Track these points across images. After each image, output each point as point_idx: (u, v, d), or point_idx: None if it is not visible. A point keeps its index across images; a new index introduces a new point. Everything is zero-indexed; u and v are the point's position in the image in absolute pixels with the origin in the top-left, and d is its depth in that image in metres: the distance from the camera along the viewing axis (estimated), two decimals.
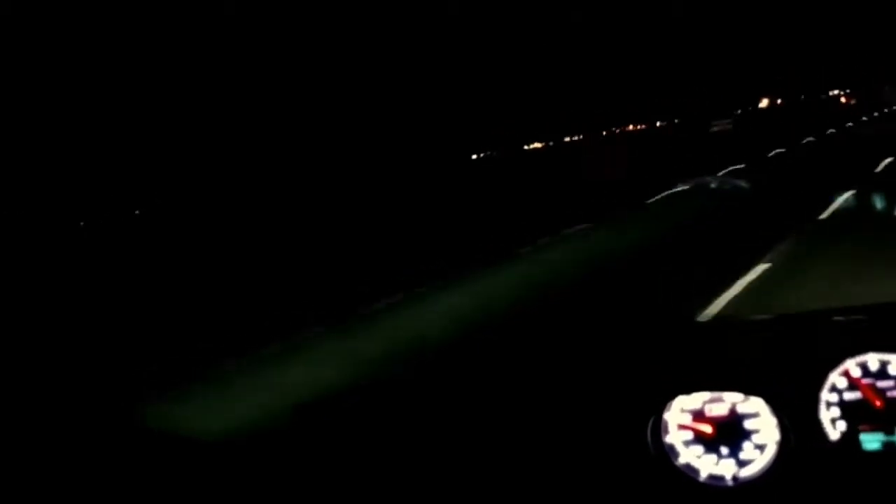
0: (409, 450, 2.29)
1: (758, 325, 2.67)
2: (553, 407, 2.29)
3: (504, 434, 2.25)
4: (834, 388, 2.13)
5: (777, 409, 2.13)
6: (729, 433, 2.19)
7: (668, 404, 2.21)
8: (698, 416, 2.20)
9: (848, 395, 2.12)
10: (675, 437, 2.20)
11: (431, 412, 2.32)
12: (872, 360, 2.12)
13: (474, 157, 42.31)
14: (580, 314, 7.59)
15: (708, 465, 2.18)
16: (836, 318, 2.42)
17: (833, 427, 2.10)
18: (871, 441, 2.07)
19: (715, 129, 39.93)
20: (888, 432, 2.07)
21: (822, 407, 2.12)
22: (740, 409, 2.18)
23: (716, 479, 2.17)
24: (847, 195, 13.47)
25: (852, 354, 2.13)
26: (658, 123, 52.65)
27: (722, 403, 2.19)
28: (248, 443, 3.51)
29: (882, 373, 2.11)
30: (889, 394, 2.10)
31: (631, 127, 53.37)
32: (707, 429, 2.19)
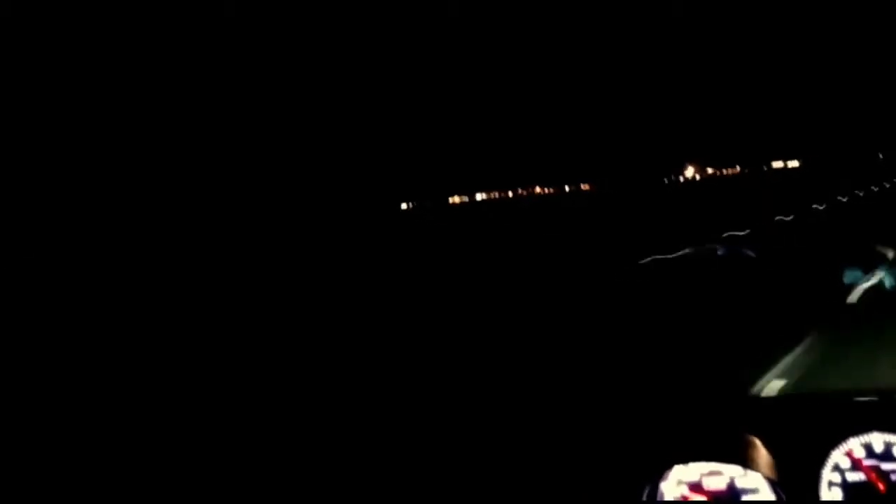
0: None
1: (761, 400, 2.62)
2: (550, 464, 2.23)
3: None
4: (836, 468, 2.06)
5: (776, 486, 2.07)
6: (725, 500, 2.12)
7: (665, 473, 2.15)
8: (695, 488, 2.14)
9: (851, 476, 2.06)
10: None
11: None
12: (877, 440, 2.06)
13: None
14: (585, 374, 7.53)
15: None
16: (841, 396, 2.38)
17: None
18: None
19: None
20: None
21: (824, 487, 2.05)
22: (739, 483, 2.11)
23: None
24: None
25: (856, 433, 2.08)
26: None
27: (720, 477, 2.13)
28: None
29: (887, 455, 2.05)
30: (893, 477, 2.03)
31: None
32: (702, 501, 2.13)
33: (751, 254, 17.11)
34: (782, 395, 2.71)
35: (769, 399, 2.66)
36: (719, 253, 17.75)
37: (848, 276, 6.67)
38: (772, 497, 2.05)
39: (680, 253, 18.06)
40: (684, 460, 2.12)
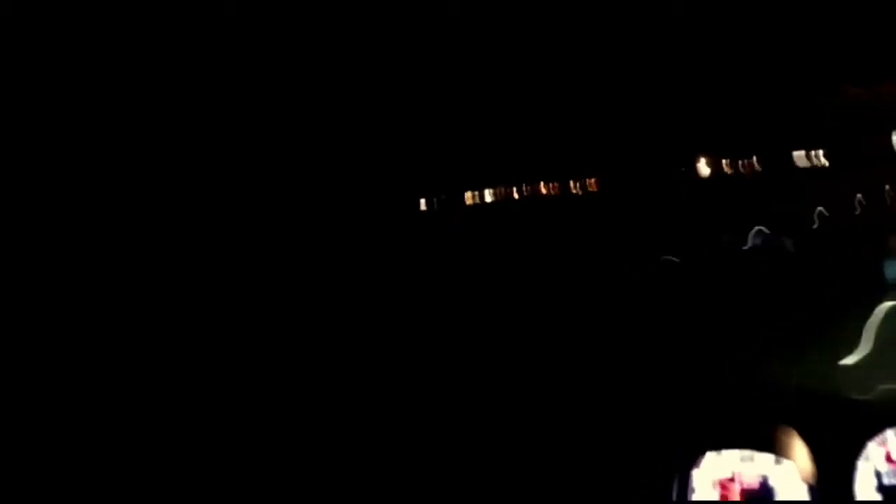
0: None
1: (797, 391, 2.62)
2: (585, 450, 2.26)
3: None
4: (870, 459, 2.06)
5: (810, 476, 2.07)
6: (757, 500, 2.13)
7: (698, 461, 2.16)
8: (727, 476, 2.15)
9: (885, 468, 2.06)
10: (702, 495, 2.15)
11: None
12: None
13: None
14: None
15: None
16: (877, 389, 2.37)
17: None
18: None
19: None
20: None
21: (858, 478, 2.05)
22: (771, 472, 2.12)
23: None
24: None
25: (892, 425, 2.08)
26: None
27: (752, 465, 2.13)
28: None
29: None
30: None
31: None
32: (735, 490, 2.14)
33: (791, 247, 16.75)
34: (818, 387, 2.71)
35: (805, 390, 2.66)
36: (760, 246, 17.37)
37: (890, 271, 6.55)
38: (804, 487, 2.06)
39: (721, 244, 17.70)
40: (717, 448, 2.14)
